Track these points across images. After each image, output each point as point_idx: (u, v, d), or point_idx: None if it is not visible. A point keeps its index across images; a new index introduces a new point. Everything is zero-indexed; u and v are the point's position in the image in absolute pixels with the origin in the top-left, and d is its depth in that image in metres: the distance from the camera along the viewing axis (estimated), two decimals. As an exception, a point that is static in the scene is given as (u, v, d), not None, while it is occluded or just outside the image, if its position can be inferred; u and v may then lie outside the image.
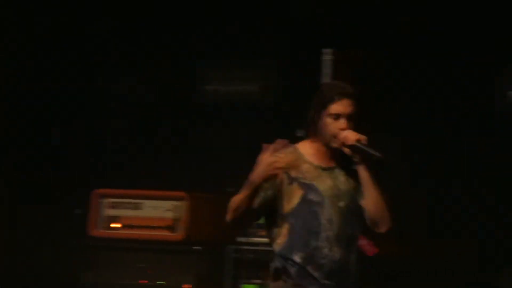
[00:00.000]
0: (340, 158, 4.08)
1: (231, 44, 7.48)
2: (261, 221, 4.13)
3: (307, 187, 4.03)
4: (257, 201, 3.99)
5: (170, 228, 6.83)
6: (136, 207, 6.95)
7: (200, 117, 7.60)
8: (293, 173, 4.04)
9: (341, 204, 4.04)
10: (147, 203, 6.92)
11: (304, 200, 4.02)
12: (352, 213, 4.06)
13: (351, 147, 4.00)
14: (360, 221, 4.09)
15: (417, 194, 6.91)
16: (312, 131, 4.10)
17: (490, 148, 6.91)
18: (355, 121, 4.03)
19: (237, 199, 4.00)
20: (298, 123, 4.29)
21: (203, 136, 7.52)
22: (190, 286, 6.78)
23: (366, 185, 4.04)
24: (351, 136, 3.99)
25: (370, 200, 4.04)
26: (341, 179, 4.09)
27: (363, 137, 4.00)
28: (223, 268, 6.75)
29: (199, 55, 7.60)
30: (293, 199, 4.03)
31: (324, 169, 4.07)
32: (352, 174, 4.08)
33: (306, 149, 4.11)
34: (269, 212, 4.07)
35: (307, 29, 7.18)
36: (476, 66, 6.90)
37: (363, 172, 4.03)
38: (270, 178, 3.96)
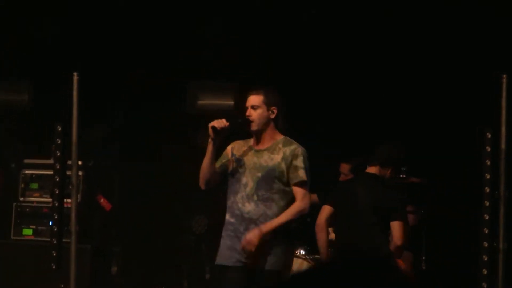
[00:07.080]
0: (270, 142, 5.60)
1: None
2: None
3: (237, 161, 5.61)
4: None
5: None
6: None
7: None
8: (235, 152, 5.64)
9: (258, 174, 5.48)
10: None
11: (233, 169, 5.61)
12: (266, 181, 5.48)
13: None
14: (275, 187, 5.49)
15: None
16: None
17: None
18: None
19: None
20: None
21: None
22: None
23: None
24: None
25: None
26: (265, 158, 5.52)
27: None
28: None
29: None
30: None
31: (256, 150, 5.60)
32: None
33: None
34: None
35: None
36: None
37: None
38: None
